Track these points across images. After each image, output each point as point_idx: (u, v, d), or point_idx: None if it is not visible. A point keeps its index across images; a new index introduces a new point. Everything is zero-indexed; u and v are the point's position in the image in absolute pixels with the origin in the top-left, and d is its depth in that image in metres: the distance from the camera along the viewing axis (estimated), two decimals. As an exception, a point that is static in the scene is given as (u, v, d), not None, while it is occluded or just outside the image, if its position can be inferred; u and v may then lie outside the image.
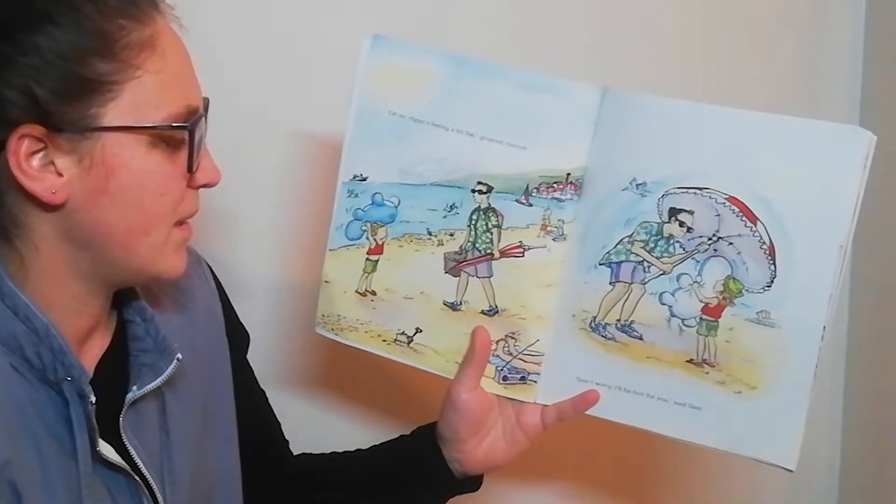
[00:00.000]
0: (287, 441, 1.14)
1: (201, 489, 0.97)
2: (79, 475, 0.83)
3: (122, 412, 0.87)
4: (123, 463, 0.86)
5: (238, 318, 1.10)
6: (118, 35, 0.80)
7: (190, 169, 0.85)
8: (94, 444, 0.84)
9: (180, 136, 0.83)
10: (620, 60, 1.29)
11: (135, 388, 0.88)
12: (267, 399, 1.14)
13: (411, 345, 1.04)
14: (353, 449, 1.13)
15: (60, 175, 0.80)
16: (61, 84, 0.78)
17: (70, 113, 0.78)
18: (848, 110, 1.39)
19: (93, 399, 0.83)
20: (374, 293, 1.04)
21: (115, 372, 0.90)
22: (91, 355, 0.90)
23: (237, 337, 1.08)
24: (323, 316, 1.06)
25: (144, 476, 0.89)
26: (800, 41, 1.38)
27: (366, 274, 1.04)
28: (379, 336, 1.04)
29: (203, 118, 0.86)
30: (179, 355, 0.90)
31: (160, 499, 0.90)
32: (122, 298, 0.93)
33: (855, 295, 1.43)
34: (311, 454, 1.14)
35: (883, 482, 1.40)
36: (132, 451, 0.88)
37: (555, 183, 0.98)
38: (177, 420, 0.94)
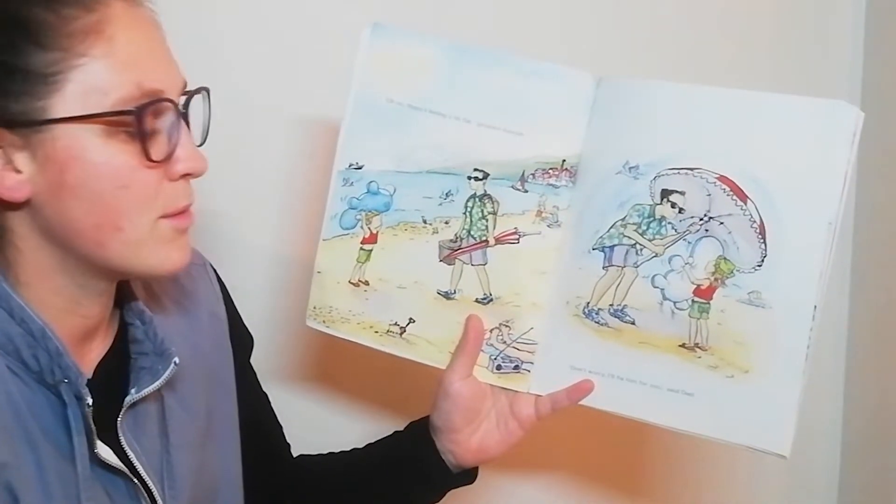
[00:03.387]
0: (289, 444, 1.20)
1: (202, 492, 1.01)
2: (77, 478, 0.87)
3: (121, 414, 0.92)
4: (122, 465, 0.90)
5: (242, 321, 1.15)
6: (60, 24, 0.81)
7: (148, 157, 0.84)
8: (91, 447, 0.88)
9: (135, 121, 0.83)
10: (620, 50, 1.37)
11: (133, 390, 0.93)
12: (269, 402, 1.19)
13: (404, 335, 1.09)
14: (349, 447, 1.18)
15: (19, 172, 0.83)
16: (5, 80, 0.80)
17: (14, 107, 0.81)
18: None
19: (90, 401, 0.87)
20: (367, 283, 1.09)
21: (115, 374, 0.95)
22: (91, 357, 0.94)
23: (241, 340, 1.13)
24: (314, 308, 1.11)
25: (144, 479, 0.93)
26: (801, 33, 1.45)
27: (359, 264, 1.09)
28: (371, 327, 1.10)
29: (170, 103, 0.86)
30: (177, 359, 0.93)
31: (159, 502, 0.94)
32: (123, 301, 0.97)
33: (855, 294, 1.49)
34: (309, 455, 1.19)
35: (883, 482, 1.45)
36: (131, 454, 0.92)
37: (550, 169, 1.05)
38: (177, 423, 0.98)
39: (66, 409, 0.87)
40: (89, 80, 0.82)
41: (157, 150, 0.85)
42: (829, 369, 1.50)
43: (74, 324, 0.91)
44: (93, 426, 0.88)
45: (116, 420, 0.92)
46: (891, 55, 1.43)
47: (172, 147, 0.87)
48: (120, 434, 0.92)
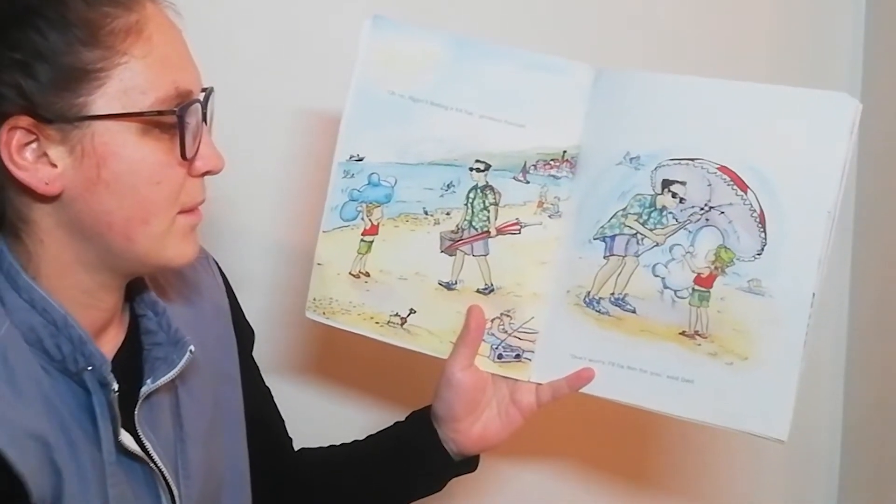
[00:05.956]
0: (290, 438, 1.22)
1: (212, 483, 1.04)
2: (103, 463, 0.90)
3: (137, 406, 0.95)
4: (143, 453, 0.93)
5: (244, 315, 1.18)
6: (103, 22, 0.86)
7: (184, 156, 0.90)
8: (116, 434, 0.91)
9: (171, 121, 0.88)
10: (619, 44, 1.40)
11: (149, 381, 0.96)
12: (272, 396, 1.21)
13: (405, 326, 1.12)
14: (350, 439, 1.21)
15: (54, 166, 0.86)
16: (48, 75, 0.84)
17: (58, 103, 0.85)
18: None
19: (115, 387, 0.90)
20: (367, 275, 1.12)
21: (128, 367, 0.97)
22: (105, 351, 0.96)
23: (243, 334, 1.16)
24: (314, 299, 1.14)
25: (160, 468, 0.96)
26: (801, 27, 1.49)
27: (360, 255, 1.12)
28: (372, 318, 1.13)
29: (198, 104, 0.92)
30: (192, 347, 0.97)
31: (175, 491, 0.97)
32: (134, 293, 1.00)
33: (855, 294, 1.53)
34: (310, 449, 1.22)
35: (883, 481, 1.49)
36: (147, 445, 0.95)
37: (551, 160, 1.08)
38: (189, 414, 1.01)
39: (90, 398, 0.90)
40: (130, 78, 0.87)
41: (188, 148, 0.90)
42: (829, 365, 1.54)
43: (93, 317, 0.94)
44: (117, 413, 0.91)
45: (133, 412, 0.94)
46: (891, 50, 1.47)
47: (197, 145, 0.92)
48: (136, 425, 0.95)
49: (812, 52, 1.50)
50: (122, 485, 0.92)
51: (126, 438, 0.92)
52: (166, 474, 0.96)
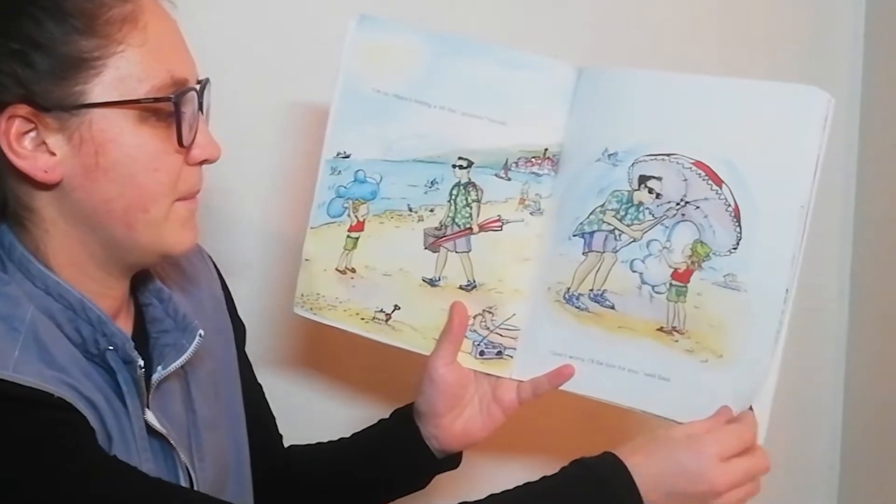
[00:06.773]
0: (281, 436, 1.23)
1: (220, 469, 1.06)
2: (135, 438, 0.91)
3: (151, 392, 0.96)
4: (169, 428, 0.95)
5: (237, 311, 1.19)
6: (99, 12, 0.88)
7: (180, 143, 0.91)
8: (142, 411, 0.93)
9: (168, 109, 0.90)
10: (622, 46, 1.41)
11: (160, 368, 0.97)
12: (264, 394, 1.22)
13: (389, 322, 1.13)
14: (336, 435, 1.22)
15: (53, 154, 0.88)
16: (45, 64, 0.86)
17: (55, 91, 0.87)
18: (847, 110, 1.50)
19: (141, 363, 0.92)
20: (353, 271, 1.13)
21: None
22: None
23: (236, 328, 1.17)
24: (302, 295, 1.15)
25: (178, 452, 0.97)
26: (799, 29, 1.50)
27: (346, 251, 1.13)
28: (357, 314, 1.14)
29: (194, 92, 0.93)
30: (202, 331, 0.98)
31: (193, 475, 0.98)
32: (138, 283, 1.01)
33: (855, 294, 1.53)
34: (298, 446, 1.23)
35: (883, 482, 1.49)
36: (163, 431, 0.96)
37: (533, 157, 1.09)
38: (199, 401, 1.03)
39: (115, 377, 0.91)
40: (126, 67, 0.89)
41: (185, 136, 0.91)
42: (829, 365, 1.54)
43: (105, 304, 0.95)
44: (144, 389, 0.92)
45: (146, 399, 0.95)
46: (891, 50, 1.47)
47: (194, 134, 0.93)
48: (150, 411, 0.95)
49: (812, 52, 1.50)
50: (150, 462, 0.93)
51: (151, 417, 0.94)
52: (184, 458, 0.97)
